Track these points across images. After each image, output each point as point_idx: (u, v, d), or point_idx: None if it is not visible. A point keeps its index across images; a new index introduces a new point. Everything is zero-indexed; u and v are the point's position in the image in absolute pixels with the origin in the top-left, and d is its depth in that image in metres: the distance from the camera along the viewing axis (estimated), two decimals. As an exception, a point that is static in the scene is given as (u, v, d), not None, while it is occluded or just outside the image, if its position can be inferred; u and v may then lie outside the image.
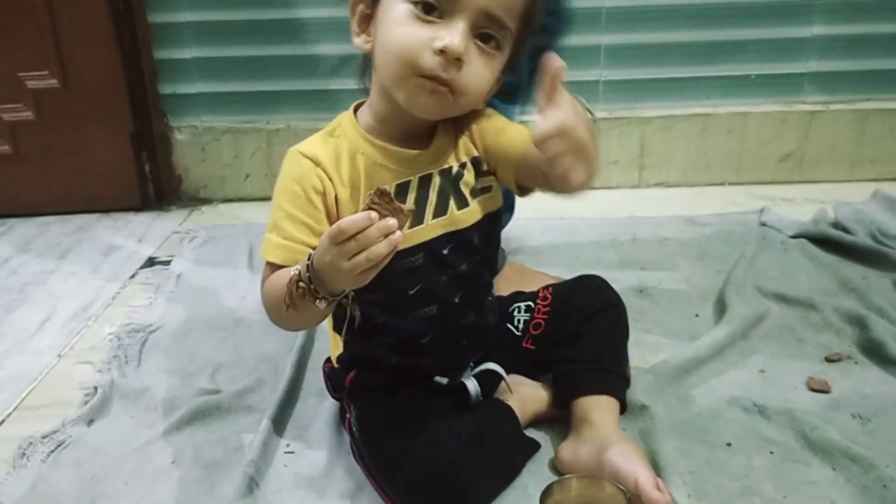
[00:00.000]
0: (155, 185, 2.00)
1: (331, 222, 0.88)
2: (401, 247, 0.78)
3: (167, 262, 1.68)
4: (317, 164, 0.91)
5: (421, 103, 0.88)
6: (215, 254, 1.71)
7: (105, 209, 1.97)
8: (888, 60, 1.90)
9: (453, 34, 0.84)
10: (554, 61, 0.77)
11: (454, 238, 0.96)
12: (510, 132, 0.98)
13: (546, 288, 1.12)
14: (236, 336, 1.36)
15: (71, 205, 1.96)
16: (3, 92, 1.88)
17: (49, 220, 1.93)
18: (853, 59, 1.90)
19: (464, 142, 0.98)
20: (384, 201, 0.76)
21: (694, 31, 1.81)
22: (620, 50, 1.89)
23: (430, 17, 0.85)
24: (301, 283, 0.81)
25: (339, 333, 1.00)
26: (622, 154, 1.96)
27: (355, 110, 0.97)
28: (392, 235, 0.76)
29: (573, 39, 1.86)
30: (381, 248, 0.75)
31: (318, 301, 0.82)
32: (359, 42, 0.92)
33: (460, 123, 0.98)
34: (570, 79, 2.06)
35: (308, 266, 0.81)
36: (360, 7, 0.91)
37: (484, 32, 0.87)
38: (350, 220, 0.75)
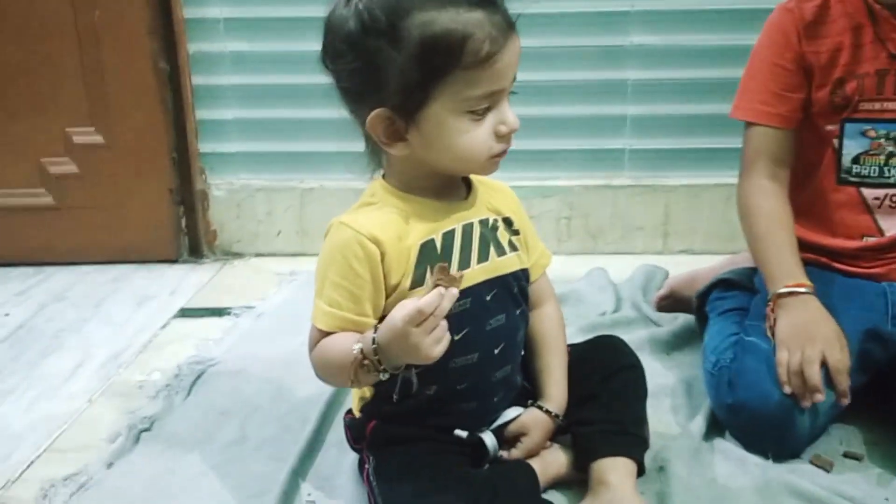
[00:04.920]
0: (190, 239, 2.05)
1: (377, 286, 0.93)
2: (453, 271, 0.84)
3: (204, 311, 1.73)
4: (362, 232, 0.92)
5: (488, 171, 0.96)
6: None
7: (141, 260, 2.02)
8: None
9: (510, 116, 0.91)
10: None
11: (496, 284, 0.99)
12: (539, 246, 1.09)
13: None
14: (281, 380, 1.39)
15: (108, 255, 2.01)
16: (51, 146, 1.95)
17: (86, 269, 1.98)
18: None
19: (496, 202, 1.03)
20: (445, 275, 0.83)
21: (719, 105, 1.84)
22: (646, 120, 1.92)
23: (484, 114, 0.90)
24: (366, 362, 0.87)
25: (390, 396, 0.99)
26: (647, 221, 1.98)
27: (383, 178, 1.00)
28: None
29: (600, 109, 1.93)
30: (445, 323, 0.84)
31: (381, 374, 0.88)
32: (396, 151, 0.92)
33: (486, 188, 1.03)
34: (596, 147, 2.11)
35: (374, 347, 0.86)
36: (383, 126, 0.90)
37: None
38: (427, 301, 0.82)
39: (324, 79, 0.95)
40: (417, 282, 0.94)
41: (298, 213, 2.02)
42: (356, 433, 1.06)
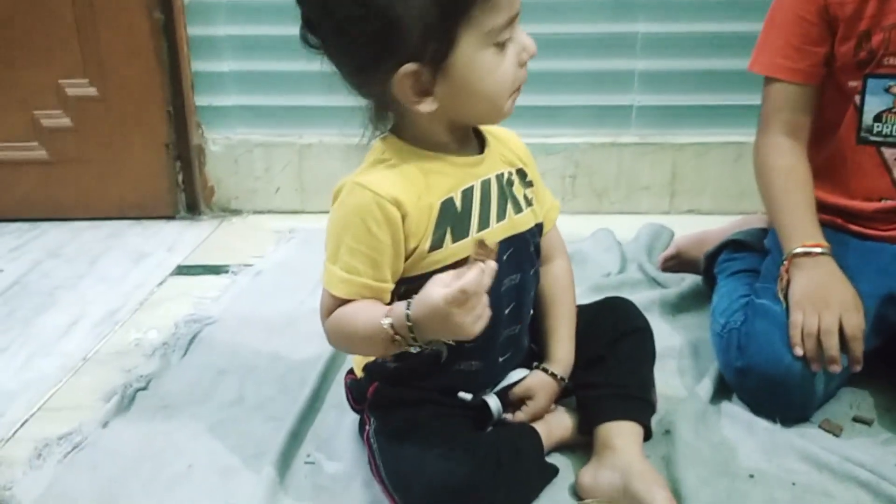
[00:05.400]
0: (187, 195, 2.02)
1: (397, 250, 0.89)
2: (469, 252, 0.82)
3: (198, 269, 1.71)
4: (382, 194, 0.87)
5: (508, 113, 0.91)
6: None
7: (137, 217, 1.99)
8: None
9: (528, 40, 0.88)
10: None
11: (514, 243, 0.96)
12: (547, 197, 1.06)
13: (572, 309, 1.11)
14: (280, 339, 1.37)
15: (104, 211, 1.99)
16: (43, 98, 1.91)
17: (81, 225, 1.96)
18: None
19: (508, 153, 0.99)
20: (483, 249, 0.80)
21: (730, 59, 1.80)
22: (654, 76, 1.88)
23: (505, 44, 0.87)
24: (398, 337, 0.84)
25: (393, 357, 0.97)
26: (654, 180, 1.95)
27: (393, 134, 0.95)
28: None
29: (607, 64, 1.88)
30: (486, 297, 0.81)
31: (412, 348, 0.86)
32: (425, 107, 0.87)
33: (494, 138, 0.99)
34: (603, 103, 2.07)
35: (409, 325, 0.83)
36: (409, 82, 0.85)
37: None
38: (470, 281, 0.78)
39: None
40: (436, 244, 0.90)
41: (297, 169, 1.99)
42: (357, 394, 1.04)
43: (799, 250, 1.13)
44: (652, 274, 1.55)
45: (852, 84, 1.18)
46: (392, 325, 0.84)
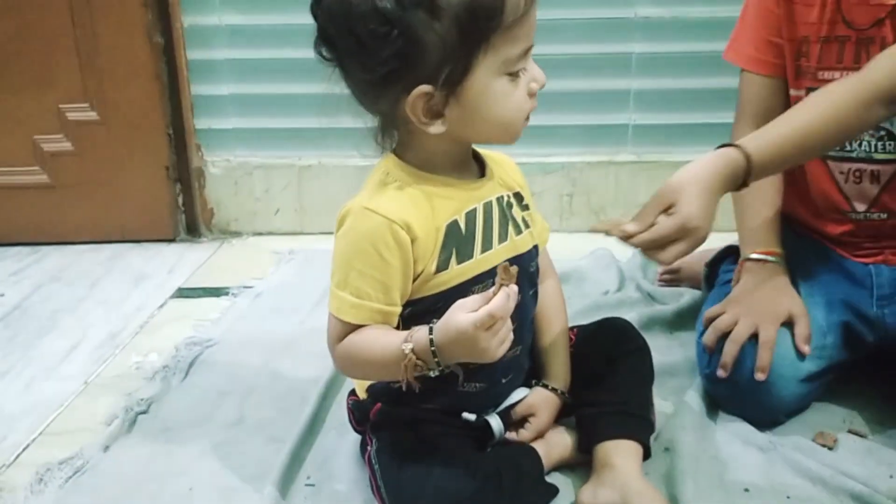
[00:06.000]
0: (187, 217, 2.03)
1: (406, 273, 0.90)
2: (474, 273, 0.85)
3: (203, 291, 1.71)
4: (393, 219, 0.88)
5: (517, 137, 0.93)
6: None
7: (137, 239, 2.00)
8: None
9: (538, 71, 0.90)
10: None
11: (515, 264, 0.96)
12: (539, 220, 1.06)
13: (570, 329, 1.12)
14: (280, 361, 1.37)
15: (104, 234, 1.99)
16: (44, 123, 1.92)
17: (82, 248, 1.96)
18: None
19: (505, 176, 1.01)
20: (506, 274, 0.81)
21: (723, 78, 1.81)
22: (650, 95, 1.89)
23: (519, 74, 0.88)
24: (419, 363, 0.85)
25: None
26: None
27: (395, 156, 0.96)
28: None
29: (603, 84, 1.90)
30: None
31: (432, 372, 0.86)
32: (435, 129, 0.87)
33: (497, 159, 1.01)
34: (599, 123, 2.08)
35: (433, 350, 0.84)
36: (422, 103, 0.86)
37: None
38: (498, 305, 0.80)
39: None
40: (441, 266, 0.91)
41: (297, 190, 2.00)
42: (360, 415, 1.04)
43: (752, 256, 1.16)
44: (649, 291, 1.55)
45: (794, 93, 1.19)
46: (413, 350, 0.85)
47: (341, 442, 1.12)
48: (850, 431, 1.12)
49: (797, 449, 1.07)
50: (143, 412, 1.24)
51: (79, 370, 1.40)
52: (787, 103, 1.21)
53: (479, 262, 0.93)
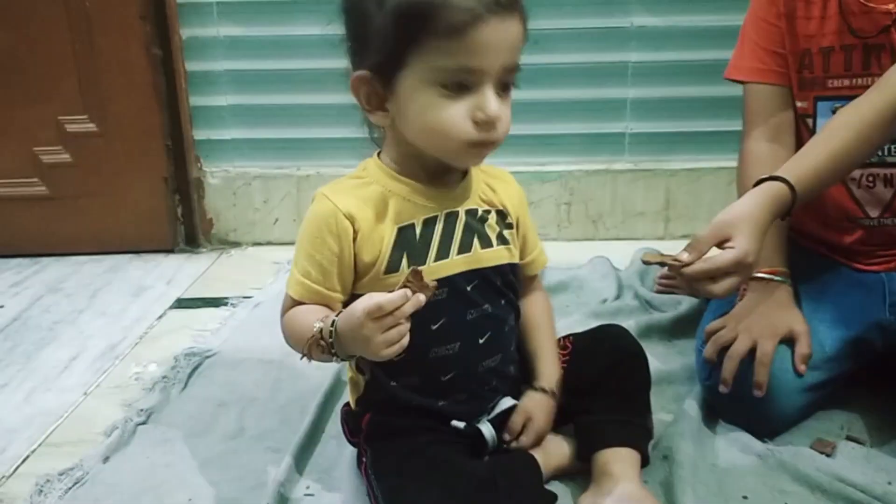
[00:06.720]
0: (186, 228, 2.04)
1: (345, 263, 0.93)
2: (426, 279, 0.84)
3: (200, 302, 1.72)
4: (339, 207, 0.93)
5: (468, 162, 0.96)
6: None
7: (137, 250, 2.00)
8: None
9: (488, 102, 0.87)
10: None
11: (477, 276, 0.98)
12: (538, 246, 1.09)
13: (566, 337, 1.12)
14: (280, 371, 1.37)
15: (104, 245, 2.00)
16: (43, 135, 1.93)
17: (82, 259, 1.97)
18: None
19: (489, 193, 1.01)
20: (416, 279, 0.83)
21: (720, 86, 1.82)
22: (646, 103, 1.90)
23: (459, 93, 0.87)
24: (322, 342, 0.87)
25: (363, 373, 1.01)
26: (648, 206, 1.97)
27: (378, 155, 1.00)
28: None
29: (600, 92, 1.90)
30: (406, 327, 0.83)
31: (334, 359, 0.88)
32: (377, 120, 0.93)
33: (488, 177, 1.02)
34: (596, 131, 2.09)
35: (332, 330, 0.86)
36: (365, 89, 0.91)
37: (502, 83, 0.89)
38: (389, 298, 0.81)
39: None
40: (392, 267, 0.93)
41: (296, 200, 2.00)
42: (353, 426, 1.05)
43: (757, 275, 1.15)
44: (646, 298, 1.56)
45: (800, 104, 1.20)
46: (320, 330, 0.87)
47: (340, 452, 1.13)
48: (848, 438, 1.12)
49: (796, 456, 1.07)
50: (143, 423, 1.24)
51: (78, 381, 1.40)
52: (794, 112, 1.22)
53: (432, 270, 0.93)
